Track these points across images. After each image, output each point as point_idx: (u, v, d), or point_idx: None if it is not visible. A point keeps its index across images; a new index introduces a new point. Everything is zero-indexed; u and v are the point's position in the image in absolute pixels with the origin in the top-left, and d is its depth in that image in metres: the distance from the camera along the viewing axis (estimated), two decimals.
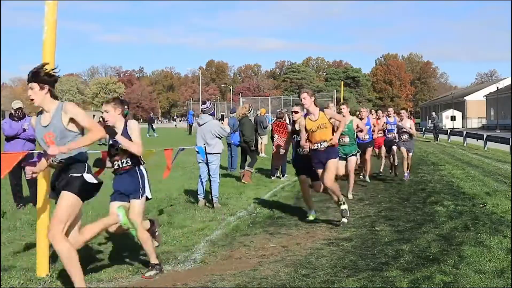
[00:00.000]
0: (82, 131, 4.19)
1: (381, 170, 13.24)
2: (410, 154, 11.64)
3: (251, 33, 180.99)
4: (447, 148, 23.54)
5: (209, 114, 8.93)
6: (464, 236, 6.12)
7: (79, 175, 4.12)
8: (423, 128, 42.76)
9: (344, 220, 7.09)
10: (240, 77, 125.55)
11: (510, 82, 59.27)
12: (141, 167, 4.95)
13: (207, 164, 8.65)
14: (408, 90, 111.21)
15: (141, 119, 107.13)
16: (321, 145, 6.93)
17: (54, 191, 4.24)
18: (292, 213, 8.12)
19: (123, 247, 5.95)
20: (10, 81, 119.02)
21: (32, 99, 4.08)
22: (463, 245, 5.70)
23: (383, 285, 4.47)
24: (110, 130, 4.71)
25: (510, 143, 19.11)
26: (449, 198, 8.95)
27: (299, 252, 5.75)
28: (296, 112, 7.40)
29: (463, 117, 69.53)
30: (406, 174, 11.31)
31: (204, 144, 8.67)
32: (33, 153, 7.21)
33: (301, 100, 7.01)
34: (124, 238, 5.98)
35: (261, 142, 18.32)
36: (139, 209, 4.89)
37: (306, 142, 7.07)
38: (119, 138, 4.73)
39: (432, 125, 33.39)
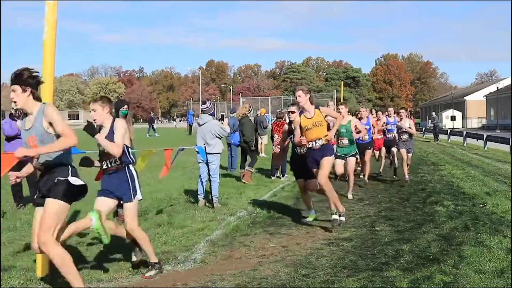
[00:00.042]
0: None
1: (380, 170, 13.23)
2: (410, 154, 11.52)
3: (251, 33, 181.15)
4: (447, 148, 23.53)
5: (209, 114, 8.93)
6: (464, 236, 6.12)
7: (64, 179, 4.06)
8: (423, 128, 42.76)
9: (330, 225, 6.86)
10: (240, 77, 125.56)
11: (510, 82, 59.27)
12: (131, 167, 4.89)
13: (207, 164, 8.65)
14: (408, 90, 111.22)
15: (141, 119, 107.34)
16: (316, 143, 6.80)
17: (40, 194, 4.18)
18: (292, 213, 8.12)
19: (123, 247, 5.94)
20: (10, 81, 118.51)
21: (15, 101, 4.02)
22: (463, 245, 5.71)
23: (383, 285, 4.48)
24: (90, 129, 4.61)
25: (510, 143, 19.11)
26: (449, 198, 8.95)
27: (299, 252, 5.75)
28: (293, 112, 7.28)
29: (463, 117, 69.53)
30: (406, 177, 11.13)
31: (204, 144, 8.67)
32: None
33: (296, 97, 6.89)
34: (124, 239, 5.98)
35: (261, 142, 18.32)
36: (133, 212, 4.87)
37: (301, 139, 6.90)
38: (98, 137, 4.64)
39: (432, 125, 33.38)
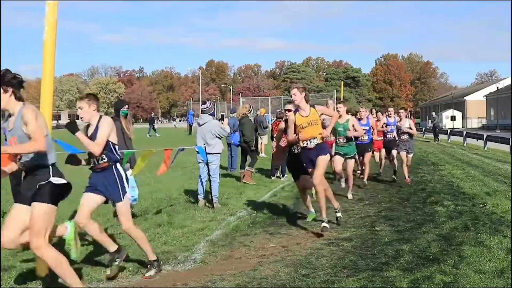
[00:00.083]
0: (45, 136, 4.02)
1: (380, 170, 13.22)
2: (410, 155, 11.41)
3: (251, 33, 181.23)
4: (447, 148, 23.54)
5: (209, 114, 8.93)
6: (464, 236, 6.12)
7: (47, 181, 4.02)
8: (423, 128, 42.76)
9: (320, 230, 6.62)
10: (240, 77, 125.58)
11: (510, 82, 59.29)
12: (118, 166, 4.83)
13: (207, 164, 8.65)
14: (408, 90, 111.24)
15: (141, 119, 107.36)
16: (310, 142, 6.68)
17: (21, 194, 4.16)
18: (292, 213, 8.13)
19: (123, 247, 5.94)
20: None
21: None
22: (463, 245, 5.70)
23: (383, 285, 4.48)
24: (72, 126, 4.54)
25: (510, 143, 19.11)
26: (449, 198, 8.95)
27: (299, 252, 5.75)
28: (290, 110, 7.15)
29: (463, 117, 69.55)
30: (407, 178, 10.98)
31: (204, 144, 8.67)
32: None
33: (291, 96, 6.79)
34: (124, 239, 5.99)
35: (261, 142, 18.33)
36: (126, 211, 4.84)
37: (294, 137, 6.78)
38: (78, 135, 4.56)
39: (432, 125, 33.37)
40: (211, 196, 8.67)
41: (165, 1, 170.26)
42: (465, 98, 72.49)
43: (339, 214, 7.27)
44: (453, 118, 57.95)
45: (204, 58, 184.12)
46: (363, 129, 10.80)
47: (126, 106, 7.76)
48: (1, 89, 3.97)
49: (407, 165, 11.22)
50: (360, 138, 10.78)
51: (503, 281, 4.50)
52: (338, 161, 9.66)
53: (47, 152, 4.06)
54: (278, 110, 17.05)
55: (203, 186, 8.84)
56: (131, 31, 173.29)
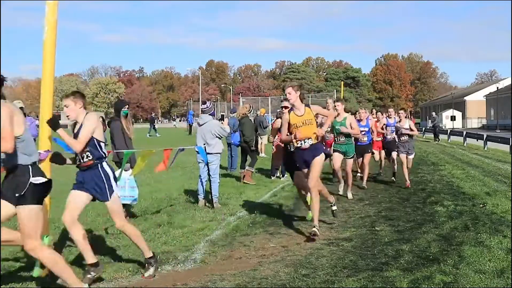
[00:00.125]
0: (22, 135, 3.98)
1: (380, 170, 13.22)
2: (411, 157, 11.13)
3: (251, 33, 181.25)
4: (447, 148, 23.54)
5: (209, 114, 8.93)
6: (464, 236, 6.12)
7: (27, 182, 3.96)
8: (423, 128, 42.77)
9: (308, 233, 6.48)
10: (240, 77, 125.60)
11: (510, 82, 59.28)
12: (104, 164, 4.74)
13: (207, 164, 8.65)
14: (408, 90, 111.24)
15: (141, 119, 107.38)
16: (305, 142, 6.51)
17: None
18: (292, 213, 8.13)
19: (124, 247, 5.95)
20: (10, 81, 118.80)
21: None
22: (463, 245, 5.70)
23: (383, 285, 4.47)
24: (53, 123, 4.51)
25: (510, 143, 19.12)
26: (449, 198, 8.95)
27: (299, 252, 5.75)
28: (286, 108, 7.01)
29: (463, 117, 69.55)
30: (407, 182, 10.67)
31: (204, 144, 8.67)
32: None
33: (285, 94, 6.67)
34: (124, 239, 5.98)
35: (261, 142, 18.33)
36: (117, 209, 4.79)
37: (288, 137, 6.65)
38: (59, 132, 4.51)
39: (433, 125, 33.36)
40: (211, 196, 8.67)
41: (165, 1, 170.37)
42: (465, 98, 72.50)
43: (334, 208, 7.26)
44: (453, 118, 57.94)
45: (204, 58, 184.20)
46: (362, 130, 10.75)
47: (127, 106, 7.77)
48: None
49: (407, 167, 10.97)
50: (359, 140, 10.73)
51: (503, 281, 4.50)
52: (337, 158, 9.62)
53: (25, 153, 3.98)
54: (278, 110, 17.03)
55: (203, 186, 8.84)
56: (131, 31, 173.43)
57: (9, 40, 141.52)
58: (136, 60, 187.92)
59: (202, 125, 8.83)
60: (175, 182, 11.71)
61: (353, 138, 9.92)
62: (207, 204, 8.73)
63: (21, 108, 8.66)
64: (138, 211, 8.10)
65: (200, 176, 8.90)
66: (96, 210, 8.18)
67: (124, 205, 7.44)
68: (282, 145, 7.54)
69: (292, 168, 7.28)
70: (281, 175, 12.66)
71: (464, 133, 27.43)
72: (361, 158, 11.01)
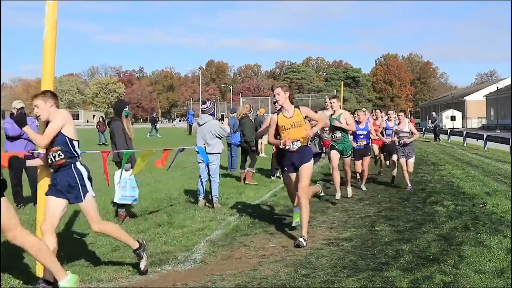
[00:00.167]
0: None
1: (381, 169, 13.23)
2: (411, 160, 10.60)
3: (251, 33, 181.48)
4: (447, 148, 23.53)
5: (209, 114, 8.93)
6: (464, 236, 6.12)
7: None
8: (423, 128, 42.77)
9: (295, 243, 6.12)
10: (240, 77, 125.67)
11: (510, 82, 59.28)
12: (78, 164, 4.54)
13: (207, 164, 8.65)
14: (408, 90, 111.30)
15: (141, 119, 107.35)
16: (293, 145, 6.26)
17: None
18: (292, 213, 8.11)
19: (123, 247, 5.94)
20: (10, 81, 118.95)
21: None
22: (463, 245, 5.70)
23: (383, 285, 4.47)
24: (20, 120, 4.42)
25: (510, 143, 19.12)
26: (449, 198, 8.95)
27: (299, 252, 5.75)
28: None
29: (463, 117, 69.55)
30: (409, 186, 10.42)
31: (204, 144, 8.67)
32: (33, 153, 7.20)
33: (274, 95, 6.36)
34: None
35: (261, 142, 18.31)
36: (90, 210, 4.59)
37: (275, 140, 6.45)
38: (25, 129, 4.38)
39: (433, 126, 33.34)
40: (211, 196, 8.67)
41: (165, 1, 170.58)
42: (465, 98, 72.50)
43: (322, 194, 7.35)
44: (453, 118, 57.93)
45: (204, 58, 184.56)
46: (361, 134, 10.65)
47: (128, 106, 7.80)
48: None
49: (408, 171, 10.58)
50: (358, 143, 10.61)
51: (503, 281, 4.50)
52: (335, 156, 9.50)
53: None
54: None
55: (203, 186, 8.84)
56: (131, 31, 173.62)
57: (9, 40, 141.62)
58: (136, 60, 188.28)
59: (202, 125, 8.83)
60: (175, 182, 11.71)
61: (349, 135, 9.68)
62: (207, 204, 8.73)
63: (21, 108, 8.66)
64: (138, 211, 8.10)
65: (200, 176, 8.90)
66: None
67: (124, 205, 7.48)
68: (265, 142, 7.26)
69: (283, 165, 7.04)
70: (281, 175, 12.65)
71: (464, 133, 27.43)
72: (360, 161, 10.78)
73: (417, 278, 4.62)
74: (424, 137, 35.36)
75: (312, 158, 6.51)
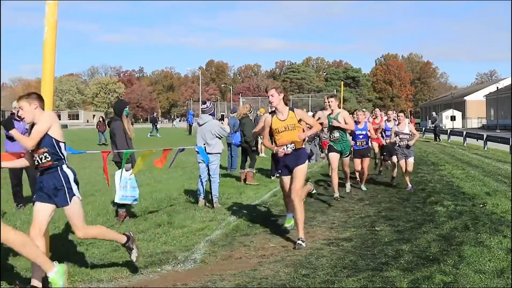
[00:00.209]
0: None
1: (380, 169, 13.22)
2: (411, 160, 10.49)
3: (251, 33, 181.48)
4: (447, 148, 23.53)
5: (209, 114, 8.93)
6: (464, 236, 6.12)
7: None
8: (423, 128, 42.77)
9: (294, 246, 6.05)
10: (240, 77, 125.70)
11: (510, 82, 59.28)
12: (64, 167, 4.44)
13: (207, 164, 8.65)
14: (408, 90, 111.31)
15: (141, 119, 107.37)
16: (287, 147, 6.15)
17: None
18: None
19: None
20: (10, 81, 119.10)
21: None
22: (463, 245, 5.70)
23: (383, 285, 4.47)
24: (7, 124, 4.37)
25: (510, 143, 19.12)
26: (449, 198, 8.95)
27: (299, 252, 5.75)
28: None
29: (463, 117, 69.54)
30: (409, 186, 10.39)
31: (204, 144, 8.67)
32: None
33: (268, 97, 6.21)
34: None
35: (261, 142, 18.30)
36: (75, 215, 4.47)
37: (269, 142, 6.36)
38: (12, 132, 4.31)
39: (433, 126, 33.33)
40: (211, 196, 8.67)
41: (165, 1, 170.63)
42: (465, 98, 72.49)
43: (314, 191, 7.47)
44: (453, 118, 57.92)
45: (204, 58, 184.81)
46: (360, 134, 10.62)
47: (128, 106, 7.81)
48: None
49: (407, 171, 10.49)
50: (357, 144, 10.60)
51: (503, 281, 4.50)
52: (334, 158, 9.47)
53: None
54: None
55: (203, 186, 8.84)
56: (131, 31, 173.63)
57: (9, 40, 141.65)
58: (136, 60, 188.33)
59: (202, 125, 8.83)
60: (175, 182, 11.70)
61: (348, 135, 9.57)
62: (207, 204, 8.73)
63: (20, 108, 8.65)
64: (138, 211, 8.10)
65: (200, 176, 8.90)
66: (96, 210, 8.19)
67: (124, 205, 7.48)
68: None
69: (277, 168, 7.00)
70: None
71: (464, 133, 27.43)
72: (359, 159, 10.75)
73: (417, 278, 4.62)
74: (424, 137, 35.36)
75: (307, 160, 6.45)
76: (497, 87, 61.17)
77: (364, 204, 8.93)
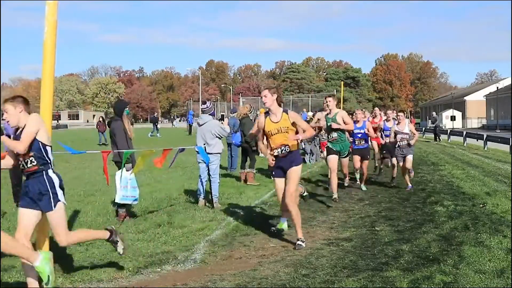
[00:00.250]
0: None
1: (381, 167, 13.21)
2: (410, 157, 10.42)
3: (251, 33, 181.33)
4: (447, 148, 23.53)
5: (209, 114, 8.93)
6: (464, 236, 6.12)
7: None
8: (423, 128, 42.77)
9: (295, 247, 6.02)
10: (240, 77, 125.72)
11: (510, 82, 59.27)
12: (50, 172, 4.32)
13: (207, 164, 8.65)
14: (408, 90, 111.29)
15: (141, 119, 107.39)
16: (282, 151, 6.08)
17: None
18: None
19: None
20: (10, 81, 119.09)
21: None
22: (463, 245, 5.71)
23: (383, 285, 4.47)
24: None
25: (510, 143, 19.12)
26: (449, 198, 8.95)
27: (299, 252, 5.75)
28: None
29: (463, 117, 69.53)
30: (409, 186, 10.35)
31: (204, 144, 8.67)
32: None
33: (261, 98, 6.12)
34: (125, 239, 5.97)
35: None
36: (59, 222, 4.34)
37: (264, 146, 6.33)
38: (2, 138, 4.26)
39: (434, 126, 33.32)
40: (211, 196, 8.67)
41: (165, 1, 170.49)
42: (465, 98, 72.48)
43: (305, 194, 7.40)
44: (453, 118, 57.91)
45: (204, 58, 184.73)
46: (358, 133, 10.60)
47: (128, 106, 7.82)
48: None
49: (407, 168, 10.42)
50: (356, 143, 10.59)
51: (503, 281, 4.50)
52: (333, 160, 9.42)
53: None
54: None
55: (203, 186, 8.84)
56: (131, 31, 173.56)
57: (9, 40, 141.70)
58: (136, 60, 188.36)
59: (202, 125, 8.83)
60: (175, 182, 11.70)
61: (347, 135, 9.47)
62: (207, 204, 8.73)
63: None
64: (138, 211, 8.11)
65: (200, 176, 8.90)
66: (96, 210, 8.20)
67: (124, 205, 7.48)
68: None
69: (272, 169, 6.80)
70: None
71: (464, 133, 27.43)
72: (359, 157, 10.74)
73: (417, 278, 4.62)
74: (424, 137, 35.36)
75: (301, 162, 6.41)
76: (497, 87, 61.15)
77: (364, 204, 8.93)
